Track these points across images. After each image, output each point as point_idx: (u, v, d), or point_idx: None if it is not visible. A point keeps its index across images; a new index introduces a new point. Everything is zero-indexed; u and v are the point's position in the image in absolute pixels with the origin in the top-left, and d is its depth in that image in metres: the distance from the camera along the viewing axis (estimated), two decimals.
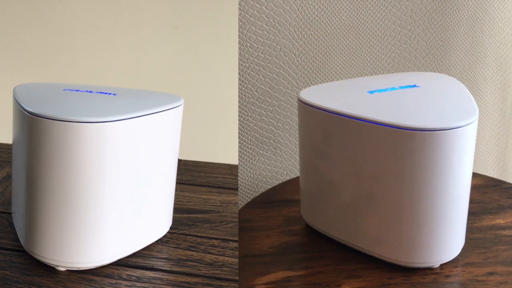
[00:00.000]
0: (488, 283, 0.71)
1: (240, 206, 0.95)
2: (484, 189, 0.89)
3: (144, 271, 0.71)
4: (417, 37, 1.04)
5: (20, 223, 0.73)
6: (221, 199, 0.90)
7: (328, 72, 1.03)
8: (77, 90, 0.76)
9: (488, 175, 1.17)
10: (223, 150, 1.07)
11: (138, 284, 0.69)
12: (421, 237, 0.70)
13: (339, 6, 0.99)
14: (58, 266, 0.70)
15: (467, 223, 0.81)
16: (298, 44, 1.00)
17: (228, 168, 1.00)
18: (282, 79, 1.01)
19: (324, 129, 0.74)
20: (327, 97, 0.75)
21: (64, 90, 0.76)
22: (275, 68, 1.00)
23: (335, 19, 1.00)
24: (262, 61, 0.99)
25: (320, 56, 1.01)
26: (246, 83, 1.00)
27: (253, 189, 1.06)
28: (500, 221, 0.82)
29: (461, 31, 1.06)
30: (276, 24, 0.98)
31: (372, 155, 0.69)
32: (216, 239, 0.79)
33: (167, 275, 0.71)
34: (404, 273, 0.72)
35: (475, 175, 0.94)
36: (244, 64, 0.99)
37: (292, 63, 1.01)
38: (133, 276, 0.71)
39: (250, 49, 0.98)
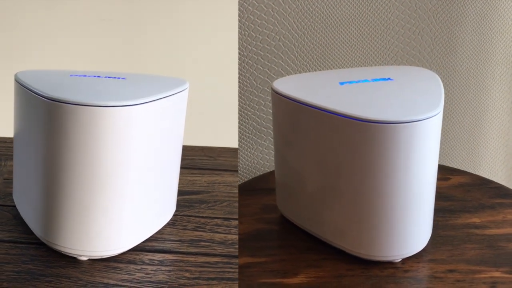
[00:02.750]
0: (445, 280, 0.70)
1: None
2: (469, 188, 0.88)
3: (164, 255, 0.73)
4: (421, 32, 1.03)
5: (33, 214, 0.72)
6: (206, 179, 0.92)
7: (327, 63, 1.03)
8: (85, 76, 0.75)
9: (495, 177, 1.15)
10: (223, 136, 1.08)
11: (163, 268, 0.70)
12: (381, 231, 0.70)
13: None
14: (80, 256, 0.69)
15: (442, 220, 0.80)
16: (298, 35, 1.00)
17: (201, 149, 1.02)
18: (281, 69, 1.02)
19: (291, 119, 0.74)
20: (297, 87, 0.75)
21: (71, 75, 0.75)
22: (273, 58, 1.01)
23: (335, 10, 1.00)
24: (260, 51, 1.00)
25: (320, 47, 1.01)
26: (244, 72, 1.01)
27: (247, 177, 1.07)
28: (476, 220, 0.80)
29: (469, 27, 1.04)
30: (275, 14, 0.98)
31: (334, 146, 0.70)
32: (218, 218, 0.81)
33: (186, 257, 0.72)
34: (364, 266, 0.72)
35: (463, 173, 0.93)
36: (242, 53, 1.00)
37: (292, 54, 1.01)
38: (155, 260, 0.72)
39: (248, 38, 0.99)
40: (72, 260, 0.70)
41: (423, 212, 0.71)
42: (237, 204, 0.85)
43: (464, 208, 0.83)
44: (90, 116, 0.64)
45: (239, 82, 1.02)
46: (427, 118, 0.66)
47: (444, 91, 1.07)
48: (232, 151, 1.02)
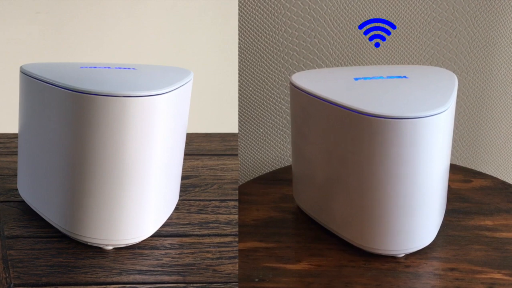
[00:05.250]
0: (444, 278, 0.71)
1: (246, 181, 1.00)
2: (489, 191, 0.88)
3: (181, 238, 0.76)
4: (458, 35, 1.03)
5: (54, 207, 0.72)
6: (188, 164, 0.94)
7: (360, 61, 1.04)
8: (95, 67, 0.76)
9: None
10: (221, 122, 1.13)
11: (186, 251, 0.73)
12: (382, 225, 0.71)
13: None
14: (107, 245, 0.71)
15: (454, 221, 0.81)
16: (333, 33, 1.02)
17: None
18: (316, 65, 1.04)
19: (304, 111, 0.76)
20: (313, 81, 0.77)
21: (82, 67, 0.75)
22: (309, 55, 1.03)
23: (372, 9, 1.01)
24: (296, 47, 1.02)
25: (354, 45, 1.03)
26: (279, 67, 1.04)
27: (275, 167, 1.10)
28: (488, 222, 0.80)
29: (508, 31, 1.04)
30: (312, 11, 1.00)
31: (340, 139, 0.71)
32: (215, 200, 0.85)
33: (202, 239, 0.76)
34: (367, 258, 0.74)
35: (486, 177, 0.92)
36: (278, 48, 1.03)
37: (326, 51, 1.03)
38: (175, 244, 0.74)
39: (284, 34, 1.02)
40: (98, 250, 0.72)
41: (428, 210, 0.72)
42: (228, 186, 0.89)
43: (480, 210, 0.83)
44: (119, 106, 0.65)
45: (273, 77, 1.05)
46: (432, 115, 0.67)
47: (480, 97, 1.07)
48: (203, 136, 1.05)
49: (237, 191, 0.87)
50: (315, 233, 0.79)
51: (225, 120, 1.11)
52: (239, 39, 1.03)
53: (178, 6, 1.18)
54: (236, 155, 1.00)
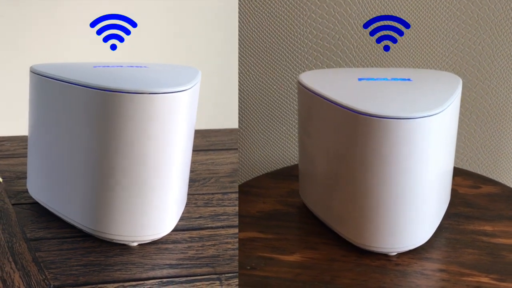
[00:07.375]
0: (430, 278, 0.72)
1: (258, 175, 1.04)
2: (496, 198, 0.88)
3: (199, 231, 0.78)
4: (482, 43, 1.03)
5: (77, 207, 0.72)
6: None
7: (382, 64, 1.05)
8: (108, 66, 0.76)
9: None
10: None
11: (207, 243, 0.75)
12: (375, 223, 0.73)
13: (402, 2, 1.02)
14: (132, 242, 0.72)
15: (454, 224, 0.82)
16: (356, 36, 1.04)
17: None
18: (339, 67, 1.06)
19: (308, 109, 0.79)
20: (318, 80, 0.80)
21: (95, 67, 0.75)
22: (332, 56, 1.05)
23: (395, 13, 1.02)
24: (320, 48, 1.05)
25: (377, 48, 1.04)
26: (303, 67, 1.07)
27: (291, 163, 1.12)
28: (488, 228, 0.81)
29: None
30: (336, 14, 1.03)
31: (336, 137, 0.74)
32: (217, 193, 0.87)
33: (219, 231, 0.78)
34: (359, 254, 0.76)
35: (496, 184, 0.93)
36: (302, 49, 1.05)
37: (350, 53, 1.05)
38: (194, 237, 0.76)
39: (309, 35, 1.04)
40: (124, 247, 0.73)
41: (421, 210, 0.73)
42: (224, 179, 0.91)
43: (482, 216, 0.84)
44: (146, 103, 0.66)
45: (295, 77, 1.07)
46: (425, 117, 0.69)
47: (503, 105, 1.07)
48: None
49: (236, 184, 0.90)
50: (315, 227, 0.81)
51: (225, 118, 1.14)
52: (254, 39, 1.06)
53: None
54: (227, 149, 1.02)
